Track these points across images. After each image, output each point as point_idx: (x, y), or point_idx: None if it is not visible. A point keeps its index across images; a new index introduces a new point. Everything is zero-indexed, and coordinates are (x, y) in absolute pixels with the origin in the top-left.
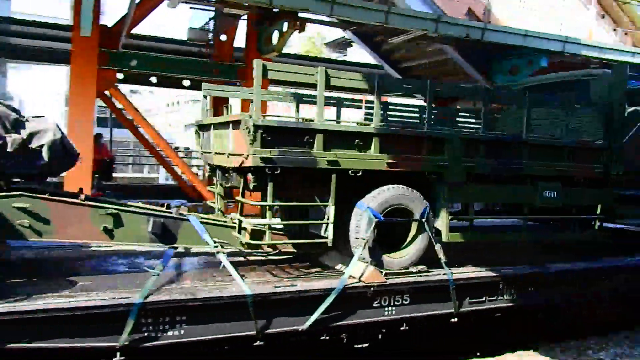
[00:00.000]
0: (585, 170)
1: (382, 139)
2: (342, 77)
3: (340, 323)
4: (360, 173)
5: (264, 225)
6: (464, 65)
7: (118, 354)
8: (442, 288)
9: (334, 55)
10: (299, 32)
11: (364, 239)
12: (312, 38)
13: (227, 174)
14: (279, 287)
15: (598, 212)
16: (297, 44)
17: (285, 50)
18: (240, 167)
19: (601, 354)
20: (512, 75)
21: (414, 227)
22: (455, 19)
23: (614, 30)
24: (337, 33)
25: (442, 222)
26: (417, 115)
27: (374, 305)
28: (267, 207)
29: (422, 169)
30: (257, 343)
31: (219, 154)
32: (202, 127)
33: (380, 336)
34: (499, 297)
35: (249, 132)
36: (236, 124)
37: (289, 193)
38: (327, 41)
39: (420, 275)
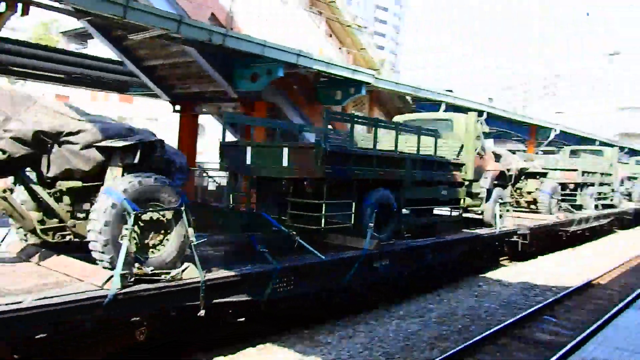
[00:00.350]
0: (456, 177)
1: (379, 159)
2: None
3: None
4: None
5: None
6: (208, 69)
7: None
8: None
9: (72, 47)
10: (22, 15)
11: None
12: (47, 24)
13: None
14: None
15: (461, 203)
16: (28, 27)
17: (14, 35)
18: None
19: (329, 338)
20: (253, 82)
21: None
22: (198, 22)
23: (340, 48)
24: (77, 22)
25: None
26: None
27: None
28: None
29: (395, 177)
30: None
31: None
32: (228, 146)
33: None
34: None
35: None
36: (302, 148)
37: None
38: (66, 30)
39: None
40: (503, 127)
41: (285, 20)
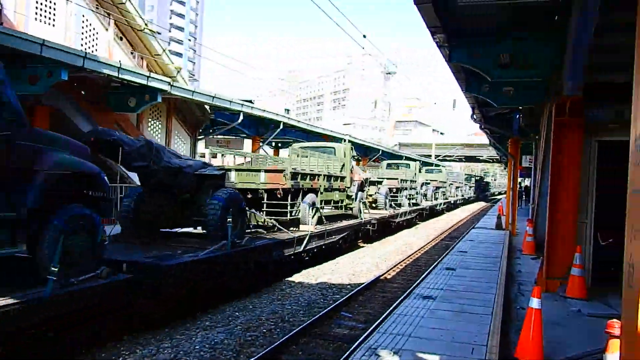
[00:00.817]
0: (341, 184)
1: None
2: None
3: None
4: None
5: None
6: None
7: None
8: None
9: None
10: None
11: None
12: None
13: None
14: None
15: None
16: None
17: None
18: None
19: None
20: (31, 85)
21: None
22: None
23: (132, 53)
24: None
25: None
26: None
27: None
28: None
29: (317, 186)
30: None
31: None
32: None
33: None
34: None
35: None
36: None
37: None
38: None
39: None
40: (300, 138)
41: (69, 20)
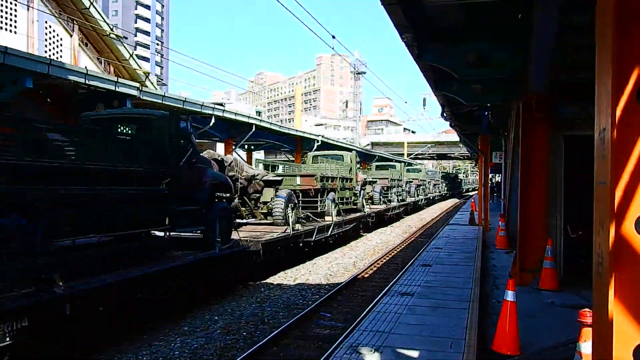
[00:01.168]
0: (350, 185)
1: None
2: None
3: None
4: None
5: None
6: None
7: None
8: None
9: None
10: None
11: None
12: None
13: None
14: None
15: (352, 199)
16: None
17: None
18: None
19: None
20: None
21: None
22: None
23: (98, 59)
24: None
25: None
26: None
27: None
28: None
29: (335, 187)
30: None
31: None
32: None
33: None
34: None
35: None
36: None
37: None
38: None
39: None
40: (273, 139)
41: (31, 27)
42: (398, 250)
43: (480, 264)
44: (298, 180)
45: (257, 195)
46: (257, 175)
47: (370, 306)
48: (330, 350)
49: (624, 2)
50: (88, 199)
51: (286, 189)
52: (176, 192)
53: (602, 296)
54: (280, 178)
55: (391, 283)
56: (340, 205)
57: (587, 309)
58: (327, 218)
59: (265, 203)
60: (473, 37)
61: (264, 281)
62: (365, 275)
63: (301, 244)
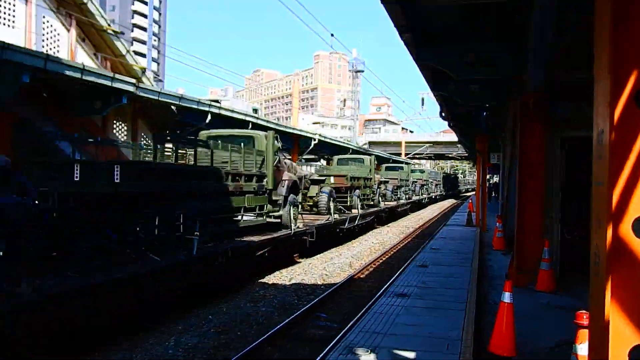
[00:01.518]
0: (369, 183)
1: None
2: None
3: None
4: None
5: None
6: None
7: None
8: None
9: None
10: None
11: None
12: None
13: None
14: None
15: (370, 196)
16: None
17: None
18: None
19: None
20: None
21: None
22: None
23: (95, 54)
24: None
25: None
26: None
27: None
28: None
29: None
30: None
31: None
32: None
33: None
34: None
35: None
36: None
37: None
38: None
39: None
40: None
41: (29, 22)
42: (396, 250)
43: (477, 265)
44: (332, 179)
45: (305, 191)
46: (307, 175)
47: (367, 306)
48: (325, 351)
49: (621, 3)
50: (233, 192)
51: (325, 186)
52: (271, 187)
53: (598, 297)
54: (323, 177)
55: (387, 284)
56: (363, 201)
57: (583, 311)
58: (353, 211)
59: (311, 197)
60: (471, 38)
61: (260, 280)
62: (361, 276)
63: (337, 230)
